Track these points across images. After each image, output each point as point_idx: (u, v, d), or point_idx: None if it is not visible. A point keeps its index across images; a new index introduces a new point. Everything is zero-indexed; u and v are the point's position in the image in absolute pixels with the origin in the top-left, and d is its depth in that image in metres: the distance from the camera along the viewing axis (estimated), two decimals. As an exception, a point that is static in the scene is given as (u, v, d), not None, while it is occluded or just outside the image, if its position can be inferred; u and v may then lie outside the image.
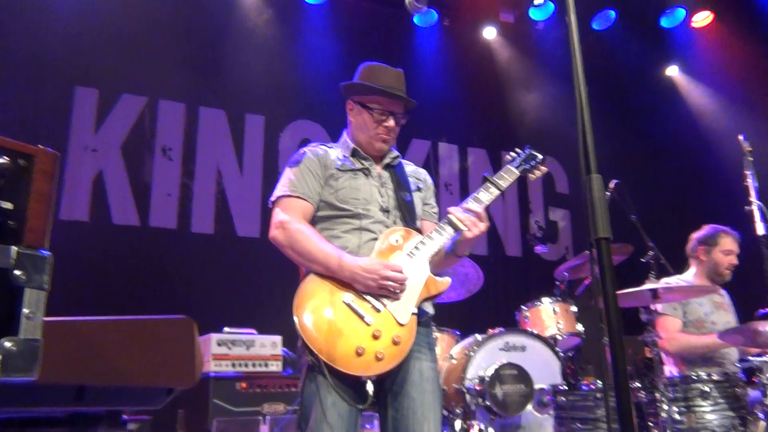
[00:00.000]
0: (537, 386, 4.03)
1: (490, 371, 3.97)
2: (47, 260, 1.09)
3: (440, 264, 2.48)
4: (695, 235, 4.35)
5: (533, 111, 7.64)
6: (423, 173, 2.73)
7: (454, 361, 4.30)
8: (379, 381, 2.25)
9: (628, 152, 7.40)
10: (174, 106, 5.97)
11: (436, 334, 4.51)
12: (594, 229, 1.70)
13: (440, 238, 2.37)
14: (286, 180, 2.47)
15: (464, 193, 7.18)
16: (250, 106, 6.29)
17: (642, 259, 4.25)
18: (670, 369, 4.08)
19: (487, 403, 3.90)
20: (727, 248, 4.21)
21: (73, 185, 5.42)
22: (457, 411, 4.04)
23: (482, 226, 2.36)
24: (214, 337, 4.00)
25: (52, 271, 1.10)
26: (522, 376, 4.02)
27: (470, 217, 2.35)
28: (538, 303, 4.69)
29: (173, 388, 1.40)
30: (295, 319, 2.18)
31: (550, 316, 4.61)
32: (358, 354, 2.13)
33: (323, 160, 2.51)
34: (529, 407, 4.01)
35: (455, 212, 2.36)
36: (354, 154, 2.56)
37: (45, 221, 1.10)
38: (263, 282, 5.65)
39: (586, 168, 1.75)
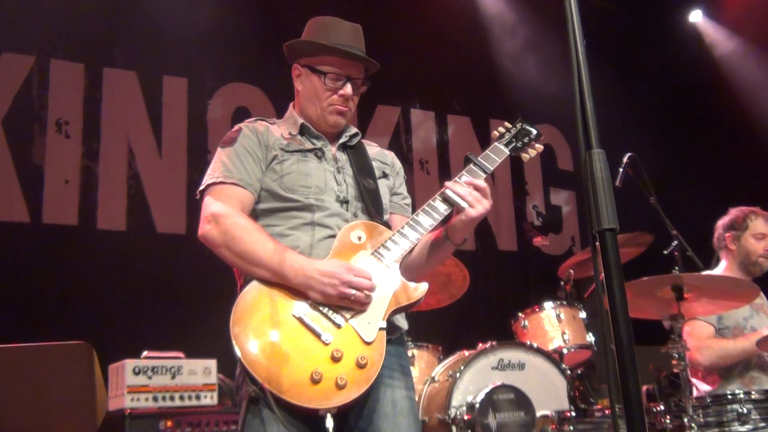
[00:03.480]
0: (539, 413, 4.05)
1: (480, 396, 3.98)
2: None
3: (430, 259, 2.47)
4: (720, 222, 4.43)
5: (528, 68, 7.66)
6: (390, 156, 2.74)
7: (437, 385, 4.31)
8: (341, 415, 2.22)
9: (643, 119, 7.48)
10: (70, 67, 5.83)
11: (413, 351, 4.52)
12: (597, 219, 1.69)
13: (414, 235, 2.36)
14: (219, 163, 2.45)
15: (443, 171, 7.20)
16: (169, 65, 6.17)
17: (664, 251, 4.29)
18: (700, 387, 4.15)
19: (478, 436, 3.91)
20: (759, 231, 4.28)
21: (-60, 171, 5.28)
22: (441, 447, 4.05)
23: (486, 204, 2.36)
24: (129, 363, 3.94)
25: None
26: (520, 401, 4.05)
27: (472, 191, 2.34)
28: (539, 309, 4.72)
29: (69, 435, 1.36)
30: (233, 338, 2.14)
31: (553, 324, 4.63)
32: (314, 381, 2.11)
33: (264, 138, 2.50)
34: (530, 440, 4.03)
35: (453, 186, 2.36)
36: (303, 131, 2.56)
37: None
38: (191, 292, 5.58)
39: (586, 142, 1.74)
